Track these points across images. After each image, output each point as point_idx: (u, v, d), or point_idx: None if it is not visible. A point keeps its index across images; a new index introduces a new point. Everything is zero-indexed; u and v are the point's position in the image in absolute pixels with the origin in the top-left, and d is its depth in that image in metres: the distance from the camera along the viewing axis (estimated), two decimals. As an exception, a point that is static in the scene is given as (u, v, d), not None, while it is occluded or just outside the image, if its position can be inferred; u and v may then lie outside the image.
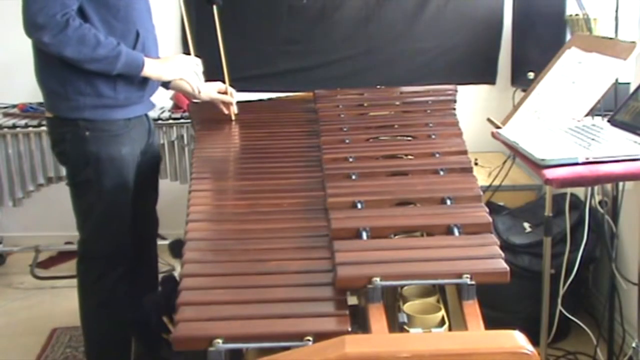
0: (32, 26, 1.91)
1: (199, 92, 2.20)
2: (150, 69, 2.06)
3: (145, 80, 2.13)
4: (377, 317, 1.31)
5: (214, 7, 2.27)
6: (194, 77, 2.18)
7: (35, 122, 3.12)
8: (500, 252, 1.44)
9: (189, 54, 2.27)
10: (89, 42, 1.92)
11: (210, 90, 2.31)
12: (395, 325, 1.40)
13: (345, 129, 2.11)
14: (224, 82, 2.34)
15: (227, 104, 2.33)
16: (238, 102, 2.36)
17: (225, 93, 2.33)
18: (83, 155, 2.08)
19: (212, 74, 2.41)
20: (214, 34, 2.26)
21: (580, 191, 2.69)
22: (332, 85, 2.54)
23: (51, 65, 2.01)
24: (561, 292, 2.51)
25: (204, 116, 2.36)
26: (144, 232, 2.37)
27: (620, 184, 2.48)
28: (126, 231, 2.20)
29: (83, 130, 2.05)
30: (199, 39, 3.09)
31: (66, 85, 2.02)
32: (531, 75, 2.86)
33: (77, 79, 2.00)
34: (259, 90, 2.45)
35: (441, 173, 1.81)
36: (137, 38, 2.07)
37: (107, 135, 2.07)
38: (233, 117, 2.33)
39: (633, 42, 1.99)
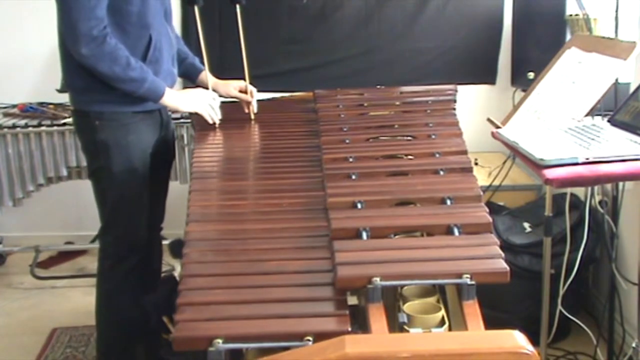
0: (71, 37, 2.00)
1: (215, 124, 2.27)
2: (169, 98, 2.17)
3: None
4: (377, 317, 1.31)
5: (237, 6, 2.31)
6: (210, 111, 2.26)
7: (35, 122, 3.12)
8: (500, 252, 1.44)
9: (201, 55, 2.31)
10: (121, 62, 2.03)
11: (230, 89, 2.38)
12: (395, 325, 1.40)
13: (345, 129, 2.11)
14: (244, 80, 2.37)
15: (247, 103, 2.37)
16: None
17: (245, 92, 2.37)
18: (93, 143, 2.18)
19: (211, 73, 2.42)
20: (215, 34, 2.27)
21: (580, 191, 2.69)
22: (332, 85, 2.54)
23: (70, 62, 2.11)
24: (561, 292, 2.51)
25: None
26: (151, 227, 2.39)
27: (620, 184, 2.48)
28: (141, 220, 2.26)
29: (93, 120, 2.16)
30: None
31: (79, 81, 2.13)
32: (531, 75, 2.86)
33: (88, 75, 2.08)
34: (259, 90, 2.45)
35: (441, 173, 1.81)
36: (150, 42, 2.13)
37: (114, 124, 2.16)
38: (252, 116, 2.35)
39: (633, 42, 1.99)
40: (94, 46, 1.99)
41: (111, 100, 2.12)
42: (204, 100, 2.26)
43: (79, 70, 2.08)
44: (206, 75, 2.35)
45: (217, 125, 2.27)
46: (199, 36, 2.25)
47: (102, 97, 2.12)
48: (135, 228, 2.25)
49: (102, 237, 2.32)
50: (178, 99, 2.20)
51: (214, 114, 2.26)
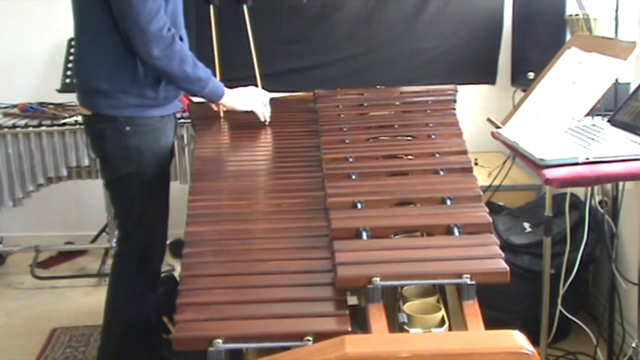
0: (142, 40, 1.96)
1: (266, 122, 2.27)
2: (228, 98, 2.18)
3: None
4: (377, 317, 1.31)
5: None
6: (263, 109, 2.26)
7: (35, 122, 3.12)
8: (500, 252, 1.44)
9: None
10: (189, 62, 2.03)
11: None
12: (395, 325, 1.40)
13: (345, 129, 2.11)
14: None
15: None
16: None
17: None
18: (125, 149, 2.12)
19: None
20: (218, 32, 2.29)
21: (580, 191, 2.69)
22: (332, 85, 2.54)
23: (97, 64, 2.06)
24: (561, 292, 2.51)
25: (204, 116, 2.36)
26: None
27: (620, 184, 2.48)
28: (165, 224, 2.27)
29: (123, 126, 2.10)
30: (199, 37, 3.09)
31: (111, 84, 2.06)
32: (531, 75, 2.87)
33: (124, 79, 2.06)
34: (259, 90, 2.46)
35: (441, 173, 1.81)
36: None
37: (145, 129, 2.13)
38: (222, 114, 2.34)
39: (633, 42, 1.99)
40: (165, 47, 1.97)
41: (142, 105, 2.09)
42: (259, 99, 2.25)
43: (108, 73, 2.04)
44: None
45: (267, 123, 2.26)
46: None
47: (134, 101, 2.08)
48: (160, 232, 2.25)
49: (124, 242, 2.28)
50: (236, 98, 2.20)
51: (266, 112, 2.26)
